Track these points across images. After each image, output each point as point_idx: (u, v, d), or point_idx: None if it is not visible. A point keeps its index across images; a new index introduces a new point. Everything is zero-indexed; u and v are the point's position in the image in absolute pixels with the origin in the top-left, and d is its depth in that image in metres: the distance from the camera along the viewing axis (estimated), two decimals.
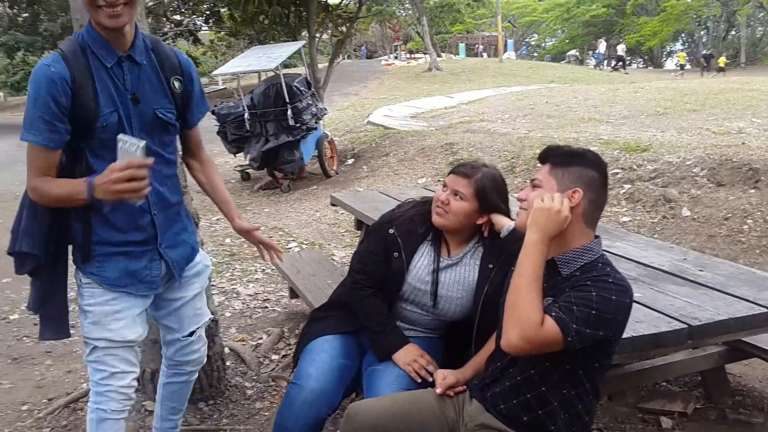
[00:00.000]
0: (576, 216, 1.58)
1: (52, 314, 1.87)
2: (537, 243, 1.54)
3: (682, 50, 42.84)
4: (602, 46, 33.64)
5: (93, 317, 1.81)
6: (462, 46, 42.84)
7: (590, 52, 32.60)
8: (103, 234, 1.76)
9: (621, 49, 32.77)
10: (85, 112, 1.64)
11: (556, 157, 1.64)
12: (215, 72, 11.31)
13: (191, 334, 2.07)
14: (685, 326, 1.91)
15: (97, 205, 1.70)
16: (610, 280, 1.52)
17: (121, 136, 1.59)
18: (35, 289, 1.85)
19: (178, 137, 1.98)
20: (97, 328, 1.80)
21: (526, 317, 1.47)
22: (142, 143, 1.57)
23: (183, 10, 21.61)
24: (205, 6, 13.61)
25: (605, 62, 33.46)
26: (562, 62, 30.85)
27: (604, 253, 1.65)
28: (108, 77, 1.69)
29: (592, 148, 5.98)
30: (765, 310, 2.03)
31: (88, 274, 1.78)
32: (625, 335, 1.67)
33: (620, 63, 30.75)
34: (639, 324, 1.91)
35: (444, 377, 1.91)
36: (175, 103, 1.84)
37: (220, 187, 2.11)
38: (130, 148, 1.56)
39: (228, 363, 3.04)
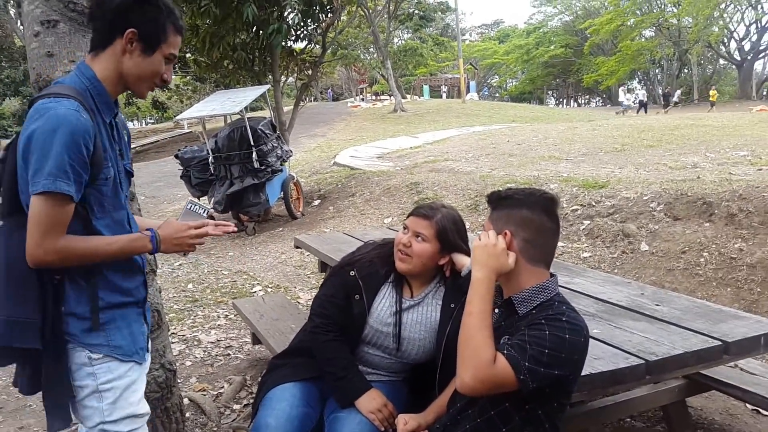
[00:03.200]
0: (518, 256, 1.61)
1: (62, 402, 1.62)
2: (482, 281, 1.57)
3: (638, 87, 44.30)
4: (622, 94, 35.36)
5: (113, 395, 1.63)
6: (426, 87, 43.85)
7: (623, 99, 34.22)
8: (107, 298, 1.63)
9: (642, 94, 34.48)
10: (95, 164, 1.55)
11: (492, 201, 1.71)
12: (179, 116, 11.28)
13: None
14: (643, 362, 1.93)
15: (98, 268, 1.60)
16: (564, 319, 1.53)
17: (190, 199, 1.86)
18: (32, 372, 1.62)
19: None
20: (119, 408, 1.64)
21: (477, 356, 1.47)
22: (210, 210, 1.81)
23: None
24: None
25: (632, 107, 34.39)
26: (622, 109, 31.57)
27: (560, 291, 1.67)
28: (106, 131, 1.63)
29: (552, 186, 6.15)
30: (719, 343, 2.06)
31: (96, 348, 1.60)
32: (583, 372, 1.68)
33: (644, 107, 31.75)
34: (597, 360, 1.92)
35: (405, 422, 1.89)
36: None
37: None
38: (199, 210, 1.82)
39: (187, 414, 2.94)
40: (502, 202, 1.67)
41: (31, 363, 1.61)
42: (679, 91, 35.30)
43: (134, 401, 1.68)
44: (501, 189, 1.72)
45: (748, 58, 42.50)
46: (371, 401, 2.00)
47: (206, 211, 1.81)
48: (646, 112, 29.55)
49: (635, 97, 34.36)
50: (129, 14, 1.56)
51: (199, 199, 9.69)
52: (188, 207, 1.83)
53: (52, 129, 1.46)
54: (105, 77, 1.61)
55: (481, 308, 1.54)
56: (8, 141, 1.67)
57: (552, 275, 1.67)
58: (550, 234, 1.64)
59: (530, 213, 1.62)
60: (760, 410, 2.91)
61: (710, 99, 31.39)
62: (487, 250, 1.59)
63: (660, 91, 38.69)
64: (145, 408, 1.72)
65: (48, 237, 1.47)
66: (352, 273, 2.12)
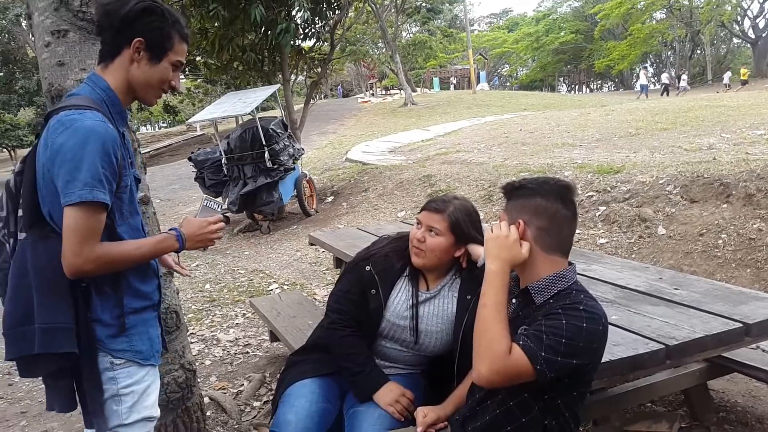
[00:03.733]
0: (532, 245, 1.60)
1: (101, 405, 1.64)
2: (496, 272, 1.56)
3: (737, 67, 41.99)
4: (643, 77, 34.45)
5: (132, 399, 1.67)
6: (436, 80, 43.68)
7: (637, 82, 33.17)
8: (131, 303, 1.66)
9: (665, 77, 33.40)
10: (118, 174, 1.59)
11: (507, 192, 1.69)
12: (192, 119, 11.36)
13: None
14: (663, 346, 1.91)
15: (123, 274, 1.63)
16: (582, 308, 1.52)
17: (206, 196, 1.93)
18: (65, 385, 1.64)
19: None
20: (135, 411, 1.68)
21: (492, 348, 1.47)
22: (222, 203, 1.74)
23: None
24: None
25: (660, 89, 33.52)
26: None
27: (578, 279, 1.66)
28: (121, 141, 1.65)
29: (566, 173, 6.09)
30: (740, 325, 2.04)
31: (119, 353, 1.63)
32: (603, 359, 1.67)
33: (666, 90, 30.95)
34: (617, 347, 1.90)
35: (425, 415, 1.89)
36: None
37: None
38: (214, 205, 1.87)
39: (208, 413, 2.97)
40: (516, 192, 1.66)
41: (64, 376, 1.63)
42: (684, 75, 34.05)
43: (149, 404, 1.72)
44: (515, 179, 1.70)
45: (763, 35, 41.73)
46: (389, 393, 2.00)
47: (220, 206, 1.88)
48: (668, 95, 28.77)
49: (669, 81, 33.13)
50: (135, 24, 1.59)
51: None
52: (204, 203, 1.88)
53: (83, 140, 1.48)
54: (116, 87, 1.64)
55: (495, 300, 1.53)
56: (25, 153, 1.69)
57: (570, 263, 1.65)
58: (565, 222, 1.62)
59: (544, 201, 1.60)
60: None
61: (741, 78, 30.69)
62: (499, 241, 1.58)
63: (673, 74, 37.93)
64: (157, 411, 1.76)
65: (86, 246, 1.50)
66: (367, 268, 2.12)
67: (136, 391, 1.68)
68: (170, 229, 1.72)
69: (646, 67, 38.62)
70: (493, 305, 1.52)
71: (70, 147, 1.49)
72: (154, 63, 1.63)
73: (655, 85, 35.32)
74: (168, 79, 1.67)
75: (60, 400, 1.66)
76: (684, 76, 33.38)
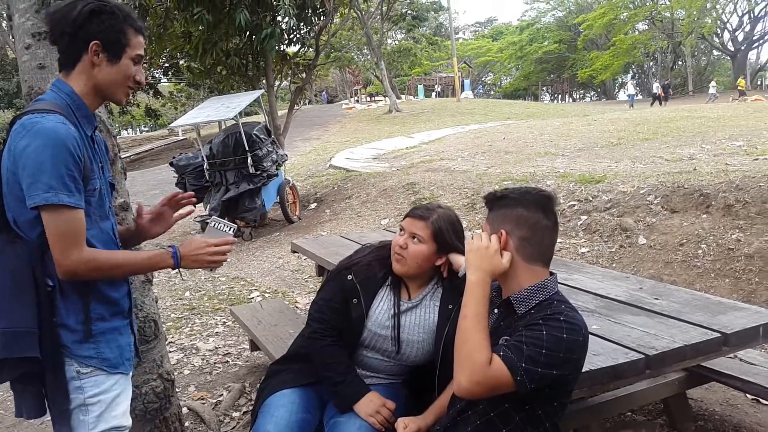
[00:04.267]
0: (514, 255, 1.60)
1: (67, 413, 1.61)
2: (477, 283, 1.56)
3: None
4: (631, 87, 34.88)
5: (99, 408, 1.63)
6: (420, 87, 43.87)
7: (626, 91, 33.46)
8: (98, 310, 1.63)
9: (655, 87, 33.53)
10: (84, 177, 1.56)
11: (489, 202, 1.70)
12: (174, 124, 11.27)
13: None
14: (642, 356, 1.92)
15: (92, 282, 1.61)
16: (562, 318, 1.52)
17: (214, 217, 1.89)
18: (35, 391, 1.61)
19: None
20: (103, 421, 1.64)
21: (473, 358, 1.46)
22: (235, 227, 1.86)
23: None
24: (163, 59, 13.64)
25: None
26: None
27: (559, 289, 1.66)
28: (88, 144, 1.64)
29: (548, 182, 6.13)
30: (718, 335, 2.05)
31: (86, 360, 1.60)
32: (583, 369, 1.67)
33: (657, 99, 31.10)
34: (597, 357, 1.91)
35: (405, 426, 1.88)
36: None
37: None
38: (224, 228, 1.85)
39: (186, 423, 2.92)
40: (498, 202, 1.66)
41: (32, 381, 1.60)
42: (713, 83, 34.06)
43: (118, 414, 1.69)
44: (497, 189, 1.71)
45: (742, 48, 42.59)
46: (369, 404, 1.98)
47: (231, 229, 1.85)
48: (661, 104, 28.98)
49: (659, 91, 33.38)
50: (88, 27, 1.58)
51: (194, 206, 9.70)
52: (212, 225, 1.86)
53: (44, 143, 1.47)
54: (81, 91, 1.63)
55: (476, 311, 1.53)
56: None
57: (551, 273, 1.65)
58: (546, 232, 1.62)
59: (526, 211, 1.61)
60: (760, 400, 2.90)
61: (739, 87, 30.97)
62: (480, 252, 1.59)
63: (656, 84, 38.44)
64: (128, 420, 1.73)
65: (72, 247, 1.50)
66: (349, 277, 2.11)
67: (104, 400, 1.64)
68: (169, 246, 1.71)
69: (634, 78, 39.09)
70: (473, 316, 1.52)
71: (32, 150, 1.47)
72: (114, 62, 1.62)
73: (638, 96, 35.63)
74: (131, 75, 1.67)
75: (28, 406, 1.63)
76: (713, 83, 33.35)
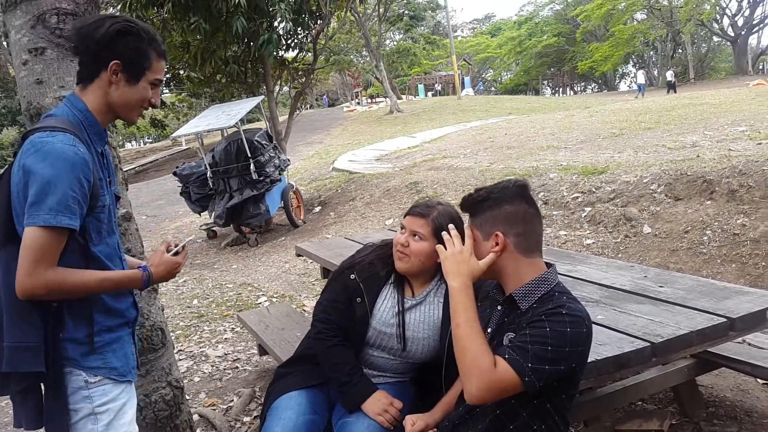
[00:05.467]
0: (512, 253, 1.59)
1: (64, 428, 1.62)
2: (459, 290, 1.56)
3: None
4: (641, 77, 34.53)
5: (108, 417, 1.65)
6: (421, 87, 43.85)
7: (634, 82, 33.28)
8: (103, 321, 1.65)
9: (669, 74, 32.88)
10: (93, 195, 1.58)
11: (469, 207, 1.67)
12: (176, 133, 11.30)
13: None
14: (648, 344, 1.92)
15: (95, 297, 1.63)
16: (564, 312, 1.51)
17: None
18: (34, 403, 1.62)
19: None
20: (112, 429, 1.66)
21: (477, 365, 1.46)
22: (190, 238, 1.92)
23: None
24: None
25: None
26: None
27: (561, 280, 1.65)
28: (98, 161, 1.65)
29: (551, 175, 6.11)
30: (724, 320, 2.05)
31: (95, 371, 1.62)
32: (589, 359, 1.66)
33: (672, 87, 30.62)
34: (602, 347, 1.91)
35: (413, 423, 1.87)
36: None
37: None
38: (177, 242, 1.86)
39: (198, 430, 2.94)
40: (480, 205, 1.64)
41: (33, 393, 1.61)
42: (641, 72, 34.43)
43: (126, 422, 1.70)
44: (473, 193, 1.67)
45: (742, 33, 42.28)
46: (377, 403, 1.99)
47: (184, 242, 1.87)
48: (675, 92, 28.37)
49: (674, 79, 32.95)
50: (112, 46, 1.58)
51: (200, 214, 9.75)
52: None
53: (52, 163, 1.47)
54: (95, 108, 1.63)
55: (466, 317, 1.53)
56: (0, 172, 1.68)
57: (549, 265, 1.65)
58: (535, 220, 1.63)
59: (512, 207, 1.60)
60: None
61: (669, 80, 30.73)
62: (455, 258, 1.59)
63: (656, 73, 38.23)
64: (135, 429, 1.74)
65: (40, 267, 1.48)
66: (352, 276, 2.12)
67: (112, 408, 1.66)
68: (139, 267, 1.72)
69: (644, 67, 38.76)
70: (465, 323, 1.52)
71: (39, 169, 1.48)
72: (132, 84, 1.62)
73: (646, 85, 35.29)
74: (147, 98, 1.67)
75: (28, 417, 1.64)
76: (641, 72, 33.27)
